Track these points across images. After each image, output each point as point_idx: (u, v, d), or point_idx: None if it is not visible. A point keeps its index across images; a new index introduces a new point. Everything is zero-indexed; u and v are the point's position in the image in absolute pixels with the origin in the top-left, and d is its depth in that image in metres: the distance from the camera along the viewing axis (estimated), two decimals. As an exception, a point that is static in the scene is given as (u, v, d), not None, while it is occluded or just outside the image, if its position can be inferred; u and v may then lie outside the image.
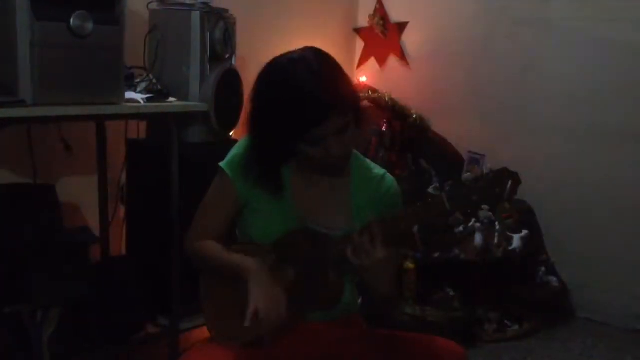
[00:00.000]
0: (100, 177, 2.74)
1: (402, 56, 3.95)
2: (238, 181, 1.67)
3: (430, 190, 3.40)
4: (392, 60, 4.01)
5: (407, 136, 3.62)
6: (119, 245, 2.92)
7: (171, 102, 2.56)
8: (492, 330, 3.17)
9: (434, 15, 3.85)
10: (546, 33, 3.51)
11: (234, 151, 1.70)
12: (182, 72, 2.65)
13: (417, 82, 3.86)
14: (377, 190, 1.70)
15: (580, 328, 3.35)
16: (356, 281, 1.72)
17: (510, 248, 3.32)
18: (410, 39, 3.93)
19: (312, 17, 3.80)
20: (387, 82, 3.88)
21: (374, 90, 3.72)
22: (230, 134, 2.81)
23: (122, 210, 2.90)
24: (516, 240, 3.33)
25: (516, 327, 3.22)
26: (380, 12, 3.97)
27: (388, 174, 1.74)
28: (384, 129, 3.57)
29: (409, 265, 3.08)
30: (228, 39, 2.72)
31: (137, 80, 2.58)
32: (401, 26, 3.94)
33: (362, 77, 3.97)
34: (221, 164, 1.70)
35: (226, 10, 2.75)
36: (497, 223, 3.28)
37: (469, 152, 3.70)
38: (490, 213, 3.24)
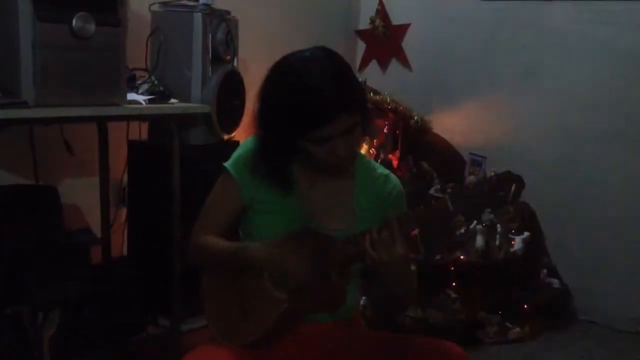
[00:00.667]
0: (102, 179, 2.74)
1: (404, 58, 3.96)
2: (242, 181, 1.67)
3: (432, 191, 3.40)
4: (394, 62, 4.01)
5: (408, 138, 3.62)
6: (120, 246, 2.93)
7: (173, 103, 2.56)
8: (493, 332, 3.17)
9: (435, 17, 3.85)
10: (547, 36, 3.51)
11: (239, 151, 1.70)
12: (183, 73, 2.65)
13: (419, 84, 3.86)
14: (381, 190, 1.70)
15: (582, 331, 3.35)
16: (364, 281, 1.71)
17: (511, 250, 3.32)
18: (411, 41, 3.93)
19: (314, 19, 3.80)
20: (388, 83, 3.88)
21: (376, 92, 3.71)
22: (232, 135, 2.81)
23: (123, 212, 2.90)
24: (518, 242, 3.32)
25: (517, 329, 3.21)
26: (382, 14, 3.97)
27: (392, 174, 1.74)
28: (385, 130, 3.57)
29: (411, 267, 3.08)
30: (230, 41, 2.73)
31: (139, 82, 2.58)
32: (403, 28, 3.94)
33: (364, 79, 3.96)
34: (226, 164, 1.70)
35: (228, 12, 2.76)
36: (498, 225, 3.27)
37: (471, 153, 3.70)
38: (492, 215, 3.24)
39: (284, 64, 1.58)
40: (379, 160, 3.42)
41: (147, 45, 2.70)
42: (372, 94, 3.65)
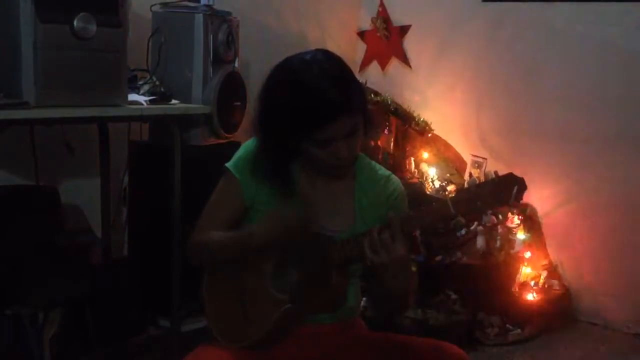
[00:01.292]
0: (103, 179, 2.74)
1: (405, 59, 3.95)
2: (244, 182, 1.67)
3: (433, 193, 3.40)
4: (395, 64, 4.00)
5: (409, 139, 3.62)
6: (120, 246, 2.93)
7: (174, 104, 2.56)
8: (493, 334, 3.16)
9: (436, 19, 3.85)
10: (548, 37, 3.51)
11: (240, 152, 1.70)
12: (184, 74, 2.65)
13: (420, 85, 3.86)
14: (382, 191, 1.70)
15: (582, 332, 3.35)
16: (364, 281, 1.71)
17: (512, 251, 3.32)
18: (412, 42, 3.93)
19: (315, 20, 3.80)
20: (389, 85, 3.88)
21: (377, 93, 3.72)
22: (233, 136, 2.81)
23: (124, 212, 2.90)
24: (518, 243, 3.32)
25: (518, 330, 3.21)
26: (383, 15, 3.97)
27: (393, 175, 1.74)
28: (386, 132, 3.57)
29: (411, 268, 3.08)
30: (231, 42, 2.73)
31: (140, 82, 2.59)
32: (403, 29, 3.94)
33: (365, 80, 3.97)
34: (227, 164, 1.70)
35: (229, 13, 2.76)
36: (499, 226, 3.27)
37: (471, 154, 3.70)
38: (493, 217, 3.24)
39: (284, 66, 1.58)
40: (380, 162, 3.42)
41: (148, 46, 2.70)
42: (372, 95, 3.66)
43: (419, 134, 3.65)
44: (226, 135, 2.76)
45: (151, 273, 2.68)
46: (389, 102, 3.62)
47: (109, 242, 2.79)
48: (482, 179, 3.57)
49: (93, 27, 2.12)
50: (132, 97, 2.40)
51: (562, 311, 3.43)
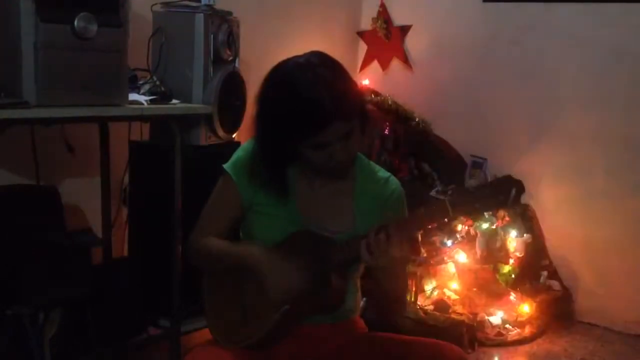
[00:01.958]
0: (103, 179, 2.74)
1: (405, 59, 3.96)
2: (242, 183, 1.67)
3: (433, 193, 3.40)
4: (395, 64, 4.01)
5: (409, 140, 3.62)
6: (121, 247, 2.93)
7: (174, 104, 2.56)
8: (493, 334, 3.17)
9: (437, 19, 3.85)
10: (549, 38, 3.51)
11: (238, 153, 1.70)
12: (185, 74, 2.65)
13: (420, 86, 3.86)
14: (381, 193, 1.70)
15: (582, 333, 3.35)
16: (363, 281, 1.71)
17: (512, 252, 3.32)
18: (413, 43, 3.93)
19: (315, 20, 3.80)
20: (389, 85, 3.88)
21: (377, 94, 3.72)
22: (233, 136, 2.81)
23: (124, 212, 2.90)
24: (518, 244, 3.32)
25: (517, 331, 3.21)
26: (383, 16, 3.97)
27: (393, 176, 1.74)
28: (386, 132, 3.57)
29: (410, 268, 3.08)
30: (231, 42, 2.73)
31: (141, 82, 2.58)
32: (404, 29, 3.94)
33: (365, 81, 3.97)
34: (225, 165, 1.70)
35: (230, 13, 2.76)
36: (499, 227, 3.28)
37: (472, 155, 3.71)
38: (493, 217, 3.24)
39: (278, 71, 1.58)
40: (380, 162, 3.42)
41: (148, 46, 2.70)
42: (373, 95, 3.66)
43: (419, 134, 3.65)
44: (226, 135, 2.76)
45: (151, 273, 2.68)
46: (390, 102, 3.62)
47: (109, 242, 2.79)
48: (482, 180, 3.58)
49: (94, 27, 2.12)
50: (133, 96, 2.40)
51: (562, 312, 3.43)
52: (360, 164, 1.73)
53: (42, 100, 2.07)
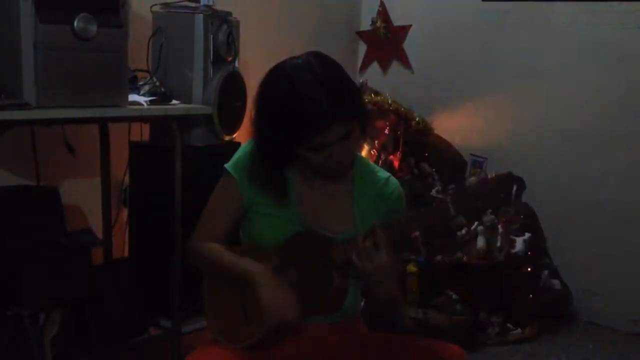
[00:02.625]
0: (103, 180, 2.74)
1: (405, 59, 3.96)
2: (243, 184, 1.67)
3: (433, 193, 3.40)
4: (395, 63, 4.01)
5: (409, 139, 3.62)
6: (121, 247, 2.93)
7: (174, 104, 2.57)
8: (494, 333, 3.17)
9: (436, 19, 3.85)
10: (548, 37, 3.51)
11: (239, 153, 1.70)
12: (185, 74, 2.65)
13: (420, 85, 3.86)
14: (381, 193, 1.70)
15: (583, 332, 3.35)
16: (360, 285, 1.71)
17: (513, 251, 3.32)
18: (412, 42, 3.93)
19: (315, 20, 3.80)
20: (389, 85, 3.88)
21: (377, 93, 3.71)
22: (233, 136, 2.81)
23: (124, 213, 2.90)
24: (519, 243, 3.32)
25: (518, 330, 3.21)
26: (383, 15, 3.97)
27: (392, 177, 1.74)
28: (386, 132, 3.57)
29: (412, 268, 3.08)
30: (231, 42, 2.73)
31: (141, 83, 2.59)
32: (404, 29, 3.94)
33: (365, 80, 3.96)
34: (226, 165, 1.70)
35: (229, 13, 2.76)
36: (499, 226, 3.27)
37: (472, 155, 3.70)
38: (493, 216, 3.24)
39: (277, 72, 1.58)
40: (380, 162, 3.42)
41: (148, 46, 2.70)
42: (373, 95, 3.66)
43: (419, 133, 3.65)
44: (226, 135, 2.76)
45: (152, 273, 2.68)
46: (389, 101, 3.62)
47: (110, 242, 2.79)
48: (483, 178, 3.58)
49: (93, 28, 2.12)
50: (133, 97, 2.40)
51: (563, 311, 3.43)
52: (359, 165, 1.73)
53: (42, 101, 2.07)
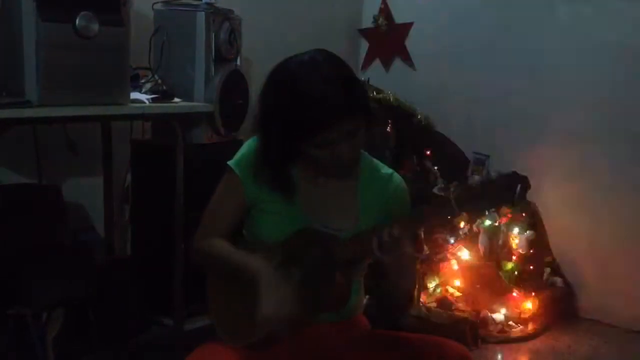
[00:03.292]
0: (105, 178, 2.75)
1: (407, 57, 3.95)
2: (246, 181, 1.66)
3: (435, 190, 3.39)
4: (397, 61, 4.00)
5: (412, 137, 3.61)
6: (123, 245, 2.93)
7: (176, 102, 2.56)
8: (496, 331, 3.16)
9: (438, 16, 3.84)
10: (551, 34, 3.50)
11: (242, 151, 1.70)
12: (187, 72, 2.65)
13: (422, 83, 3.85)
14: (385, 190, 1.70)
15: (585, 329, 3.34)
16: (371, 280, 1.71)
17: (515, 249, 3.32)
18: (415, 40, 3.92)
19: (317, 18, 3.80)
20: (392, 82, 3.87)
21: (379, 91, 3.71)
22: (235, 134, 2.81)
23: (126, 211, 2.90)
24: (521, 240, 3.32)
25: (520, 328, 3.21)
26: (385, 13, 3.97)
27: (396, 173, 1.73)
28: (388, 129, 3.57)
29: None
30: (233, 40, 2.73)
31: (142, 81, 2.59)
32: (406, 27, 3.93)
33: (367, 78, 3.96)
34: (230, 162, 1.69)
35: (231, 11, 2.76)
36: (501, 224, 3.27)
37: (474, 152, 3.70)
38: (496, 213, 3.24)
39: (282, 69, 1.57)
40: (383, 159, 3.41)
41: (150, 45, 2.70)
42: (375, 93, 3.65)
43: (421, 131, 3.64)
44: (228, 133, 2.76)
45: (154, 272, 2.68)
46: (392, 99, 3.61)
47: (112, 240, 2.80)
48: (486, 176, 3.57)
49: (95, 26, 2.12)
50: (135, 95, 2.40)
51: (565, 309, 3.43)
52: (363, 161, 1.72)
53: (44, 100, 2.08)
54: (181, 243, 2.49)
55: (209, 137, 2.72)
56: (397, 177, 1.73)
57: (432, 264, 3.18)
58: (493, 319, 3.17)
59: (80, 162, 2.74)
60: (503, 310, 3.20)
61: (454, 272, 3.22)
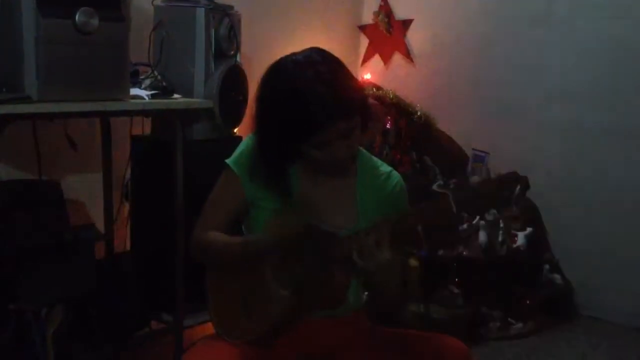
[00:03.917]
0: (105, 174, 2.74)
1: (407, 53, 3.95)
2: (245, 179, 1.66)
3: (435, 187, 3.40)
4: (397, 58, 4.00)
5: (411, 134, 3.62)
6: (123, 241, 2.93)
7: (176, 98, 2.56)
8: (495, 328, 3.17)
9: (438, 13, 3.84)
10: (550, 31, 3.50)
11: (241, 148, 1.70)
12: (186, 68, 2.65)
13: (422, 80, 3.85)
14: (383, 188, 1.70)
15: (584, 326, 3.35)
16: (362, 280, 1.71)
17: (514, 246, 3.32)
18: (414, 37, 3.93)
19: (317, 14, 3.80)
20: (391, 79, 3.88)
21: (379, 88, 3.71)
22: (235, 130, 2.81)
23: (126, 207, 2.91)
24: (520, 238, 3.32)
25: (520, 325, 3.22)
26: (385, 9, 3.97)
27: (394, 171, 1.73)
28: (388, 126, 3.57)
29: (413, 262, 3.08)
30: (233, 36, 2.72)
31: (142, 77, 2.58)
32: (406, 23, 3.93)
33: (367, 75, 3.96)
34: (228, 161, 1.70)
35: (231, 7, 2.75)
36: (501, 221, 3.27)
37: (473, 149, 3.70)
38: (495, 211, 3.24)
39: (277, 69, 1.57)
40: (382, 156, 3.42)
41: (150, 40, 2.70)
42: (374, 89, 3.65)
43: (421, 128, 3.64)
44: (228, 129, 2.76)
45: (154, 267, 2.68)
46: (391, 96, 3.61)
47: (112, 236, 2.80)
48: (485, 174, 3.58)
49: (95, 22, 2.12)
50: (134, 91, 2.40)
51: (564, 305, 3.43)
52: (361, 159, 1.72)
53: (43, 95, 2.07)
54: (181, 239, 2.49)
55: (208, 133, 2.72)
56: (395, 174, 1.73)
57: (432, 259, 3.18)
58: (492, 316, 3.18)
59: (80, 158, 2.74)
60: (502, 307, 3.20)
61: (453, 268, 3.22)
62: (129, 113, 2.59)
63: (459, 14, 3.77)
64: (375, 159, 1.77)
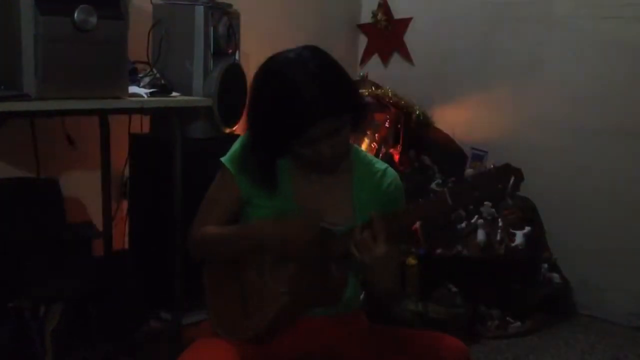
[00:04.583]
0: (103, 172, 2.74)
1: (405, 52, 3.95)
2: (240, 177, 1.66)
3: (433, 186, 3.40)
4: (396, 56, 4.00)
5: (410, 132, 3.61)
6: (121, 239, 2.93)
7: (174, 96, 2.56)
8: (494, 326, 3.17)
9: (437, 11, 3.84)
10: (550, 30, 3.50)
11: (235, 146, 1.70)
12: (185, 66, 2.65)
13: (421, 78, 3.85)
14: (379, 184, 1.70)
15: (582, 325, 3.35)
16: (359, 277, 1.71)
17: (512, 245, 3.32)
18: (413, 35, 3.92)
19: (316, 13, 3.80)
20: (390, 78, 3.87)
21: (377, 86, 3.71)
22: (233, 129, 2.81)
23: (124, 205, 2.91)
24: (519, 236, 3.32)
25: (518, 323, 3.22)
26: (384, 8, 3.96)
27: (390, 167, 1.73)
28: (387, 125, 3.57)
29: (411, 261, 3.09)
30: (232, 34, 2.72)
31: (141, 75, 2.58)
32: (405, 22, 3.93)
33: (366, 73, 3.96)
34: (223, 159, 1.70)
35: (230, 5, 2.75)
36: (499, 219, 3.27)
37: (472, 148, 3.70)
38: (493, 209, 3.24)
39: (269, 65, 1.56)
40: (381, 155, 3.42)
41: (148, 38, 2.70)
42: (373, 88, 3.65)
43: (419, 127, 3.64)
44: (227, 127, 2.76)
45: (152, 266, 2.68)
46: (390, 95, 3.61)
47: (110, 234, 2.80)
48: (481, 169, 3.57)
49: (94, 19, 2.12)
50: (133, 89, 2.40)
51: (563, 304, 3.44)
52: (357, 156, 1.72)
53: (42, 93, 2.07)
54: (179, 236, 2.49)
55: (207, 131, 2.72)
56: (391, 171, 1.73)
57: (430, 258, 3.18)
58: (491, 315, 3.18)
59: (78, 156, 2.74)
60: (501, 306, 3.20)
61: (451, 266, 3.22)
62: (128, 111, 2.59)
63: (458, 12, 3.76)
64: (370, 156, 1.77)
